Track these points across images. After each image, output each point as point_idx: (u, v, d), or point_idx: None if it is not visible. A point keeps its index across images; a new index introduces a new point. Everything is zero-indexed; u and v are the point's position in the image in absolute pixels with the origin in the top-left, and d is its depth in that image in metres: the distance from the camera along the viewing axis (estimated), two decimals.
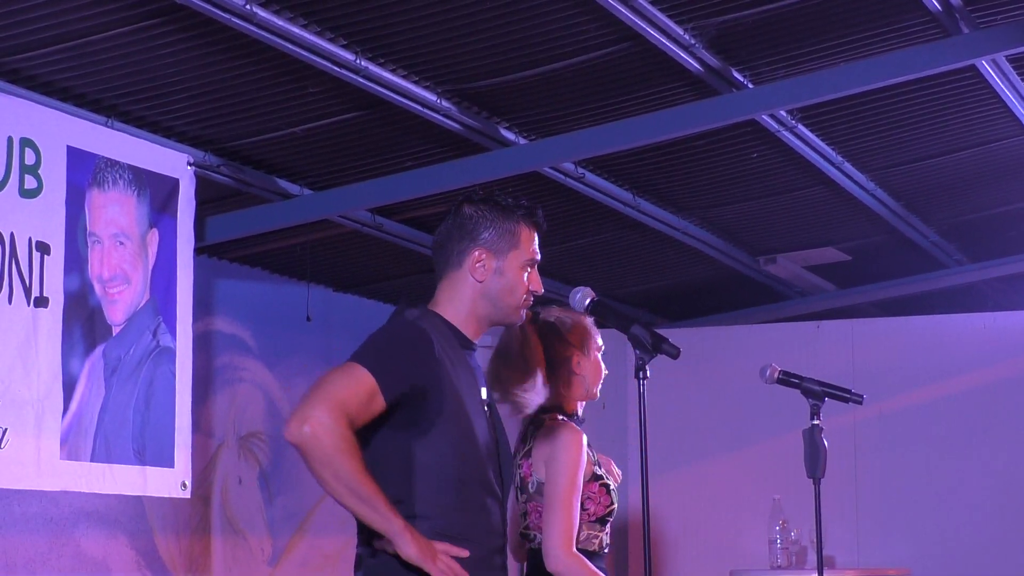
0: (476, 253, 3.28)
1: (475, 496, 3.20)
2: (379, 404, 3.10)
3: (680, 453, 8.09)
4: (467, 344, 3.31)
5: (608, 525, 4.36)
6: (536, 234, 3.35)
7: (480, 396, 3.28)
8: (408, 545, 3.06)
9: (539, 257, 3.35)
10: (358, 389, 3.06)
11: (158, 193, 5.30)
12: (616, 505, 4.45)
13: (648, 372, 3.14)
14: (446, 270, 3.32)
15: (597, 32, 4.83)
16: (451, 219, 3.33)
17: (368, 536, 3.17)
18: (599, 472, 4.36)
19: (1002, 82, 5.49)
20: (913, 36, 5.03)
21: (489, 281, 3.28)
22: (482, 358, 3.50)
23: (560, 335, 4.36)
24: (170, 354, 5.33)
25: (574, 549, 4.13)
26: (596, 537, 4.44)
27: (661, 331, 3.45)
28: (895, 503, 7.81)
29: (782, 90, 5.23)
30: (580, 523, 4.35)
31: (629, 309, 8.52)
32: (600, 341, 4.42)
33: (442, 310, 3.30)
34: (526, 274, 3.31)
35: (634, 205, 6.58)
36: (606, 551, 4.52)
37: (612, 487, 4.39)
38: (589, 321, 4.41)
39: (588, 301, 3.27)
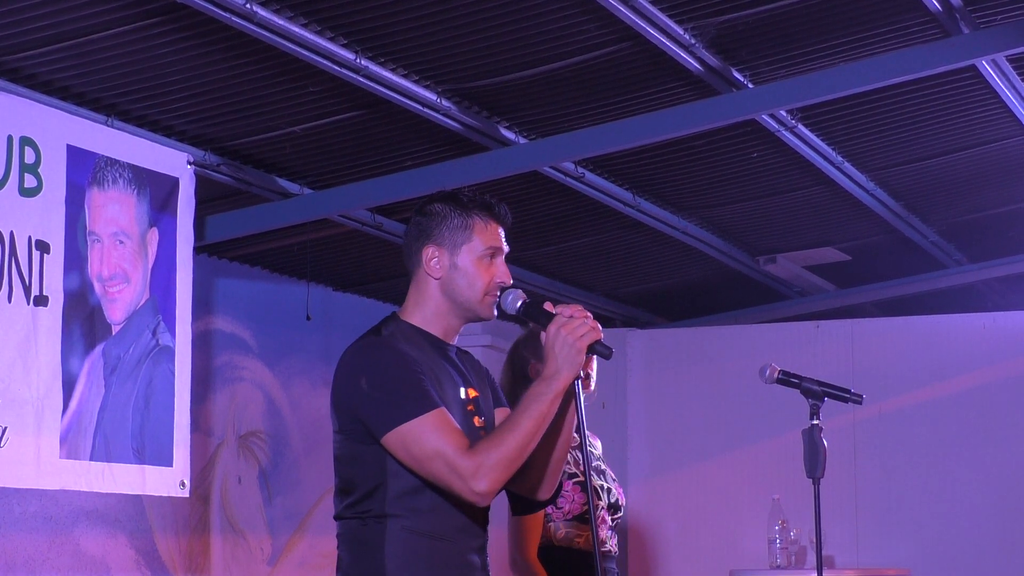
0: (429, 250, 3.27)
1: (448, 495, 3.16)
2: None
3: (680, 453, 8.10)
4: (438, 344, 3.29)
5: (599, 522, 4.39)
6: (496, 225, 3.30)
7: (459, 395, 3.26)
8: (557, 382, 3.12)
9: (500, 247, 3.30)
10: (435, 426, 3.10)
11: (158, 192, 5.30)
12: (604, 502, 4.46)
13: (582, 373, 3.16)
14: (411, 272, 3.33)
15: (597, 32, 4.83)
16: (412, 221, 3.35)
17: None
18: (572, 470, 4.39)
19: (1002, 82, 5.49)
20: (913, 36, 5.03)
21: (446, 277, 3.27)
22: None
23: (517, 345, 4.48)
24: (169, 353, 5.33)
25: (531, 553, 4.30)
26: (580, 536, 4.45)
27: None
28: (895, 503, 7.81)
29: (782, 90, 5.23)
30: (556, 522, 4.41)
31: (629, 309, 8.52)
32: None
33: (409, 315, 3.31)
34: (486, 266, 3.28)
35: (634, 205, 6.58)
36: (608, 550, 4.52)
37: (595, 484, 4.42)
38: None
39: (520, 304, 3.21)
